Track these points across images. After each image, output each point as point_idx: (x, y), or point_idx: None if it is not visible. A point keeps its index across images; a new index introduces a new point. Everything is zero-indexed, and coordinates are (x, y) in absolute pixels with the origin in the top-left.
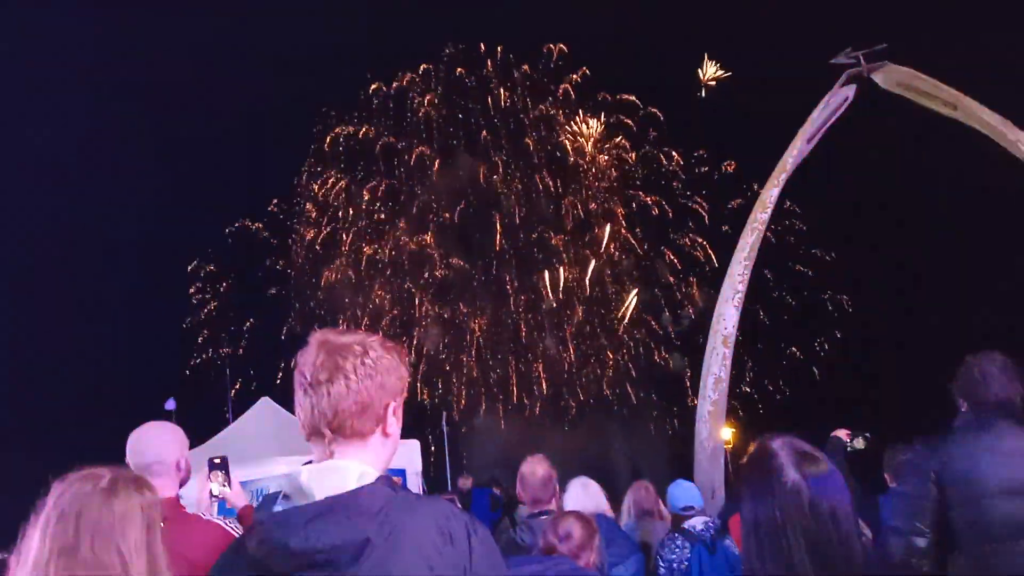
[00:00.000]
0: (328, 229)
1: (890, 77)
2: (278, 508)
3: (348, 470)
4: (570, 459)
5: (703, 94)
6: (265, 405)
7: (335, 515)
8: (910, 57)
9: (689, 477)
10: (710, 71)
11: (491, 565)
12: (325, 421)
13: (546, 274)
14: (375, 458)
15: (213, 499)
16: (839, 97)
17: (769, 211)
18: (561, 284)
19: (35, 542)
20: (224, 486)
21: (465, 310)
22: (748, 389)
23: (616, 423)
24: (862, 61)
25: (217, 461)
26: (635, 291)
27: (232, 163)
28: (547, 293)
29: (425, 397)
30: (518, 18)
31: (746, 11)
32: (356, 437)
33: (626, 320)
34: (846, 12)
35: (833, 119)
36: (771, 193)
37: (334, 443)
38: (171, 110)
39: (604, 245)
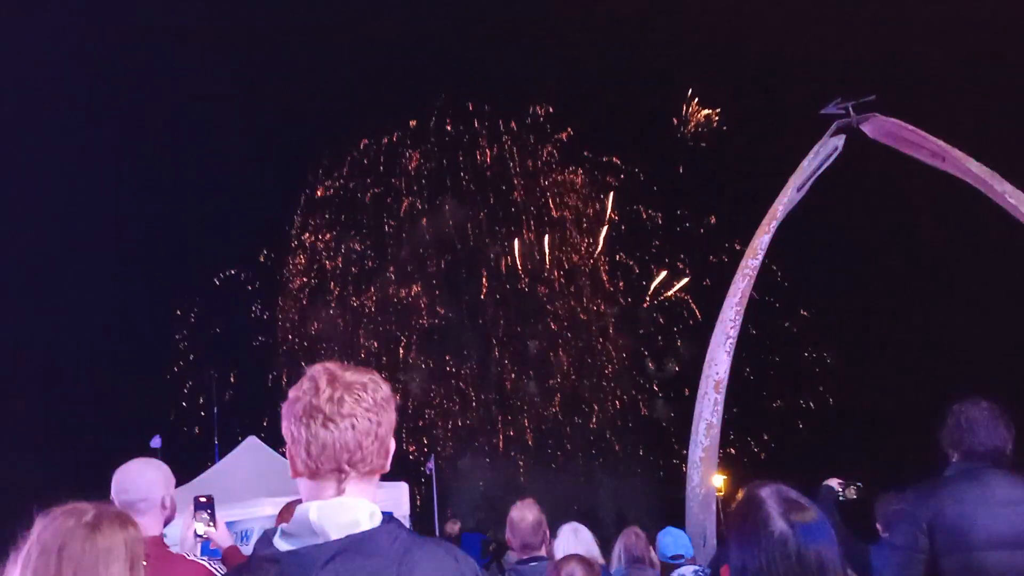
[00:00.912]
0: (316, 279)
1: (878, 128)
2: (284, 546)
3: (359, 508)
4: (556, 505)
5: (688, 133)
6: (252, 445)
7: (354, 555)
8: (898, 108)
9: (675, 524)
10: (700, 113)
11: None
12: (347, 456)
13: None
14: (375, 494)
15: (197, 539)
16: (828, 147)
17: (760, 257)
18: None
19: None
20: (209, 526)
21: (450, 358)
22: (734, 448)
23: (602, 470)
24: (851, 112)
25: (203, 500)
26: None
27: (223, 213)
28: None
29: (412, 447)
30: (505, 78)
31: (735, 64)
32: (370, 473)
33: (650, 293)
34: (835, 64)
35: (822, 168)
36: (762, 240)
37: (348, 480)
38: (162, 159)
39: (585, 297)
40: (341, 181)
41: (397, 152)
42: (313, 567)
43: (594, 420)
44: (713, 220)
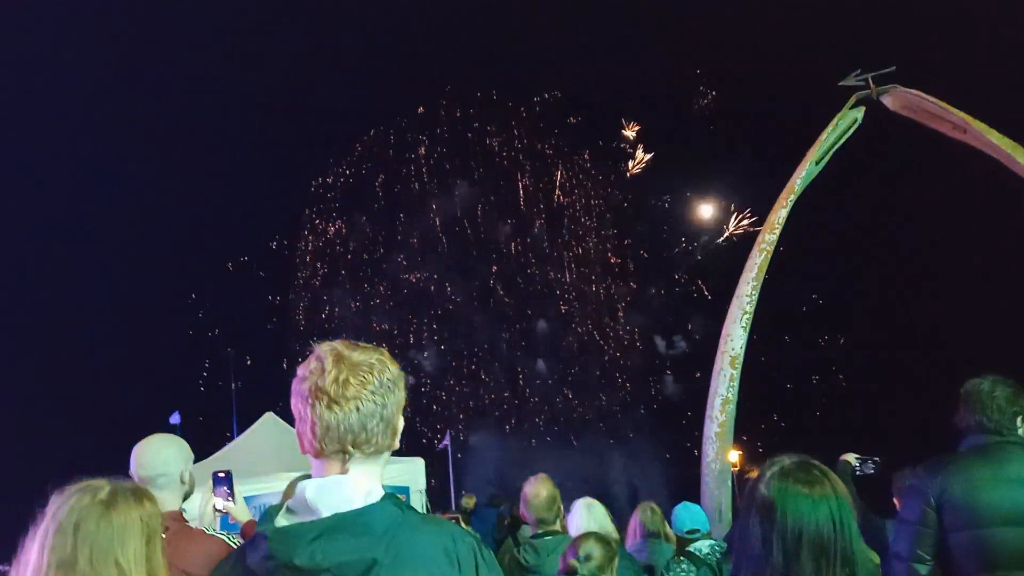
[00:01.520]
0: (328, 264)
1: (898, 100)
2: (282, 522)
3: (355, 486)
4: (568, 481)
5: (701, 107)
6: (269, 420)
7: (342, 533)
8: (919, 80)
9: (687, 499)
10: (709, 94)
11: None
12: (351, 438)
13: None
14: (381, 472)
15: (217, 513)
16: (848, 119)
17: (777, 232)
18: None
19: (34, 555)
20: (228, 500)
21: (461, 339)
22: (748, 426)
23: (613, 447)
24: (871, 84)
25: (221, 475)
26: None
27: (235, 202)
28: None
29: (425, 425)
30: (512, 65)
31: (754, 34)
32: (375, 453)
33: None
34: (855, 35)
35: (842, 141)
36: (779, 214)
37: (352, 460)
38: (174, 148)
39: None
40: (352, 169)
41: (406, 139)
42: (299, 544)
43: (604, 398)
44: (733, 207)
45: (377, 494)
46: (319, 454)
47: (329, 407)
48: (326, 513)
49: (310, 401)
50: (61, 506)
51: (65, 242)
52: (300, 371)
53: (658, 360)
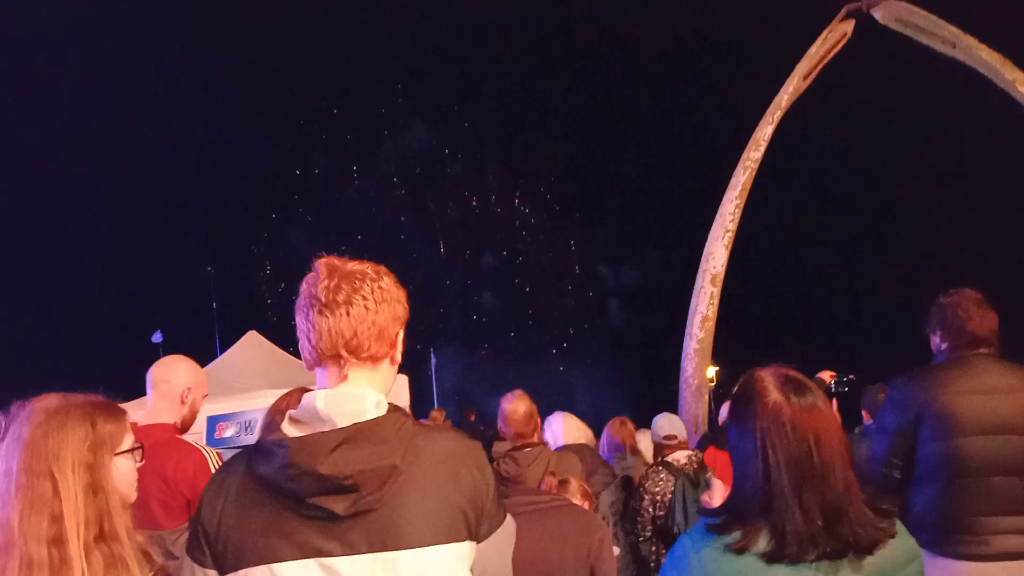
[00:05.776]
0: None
1: (889, 13)
2: (293, 432)
3: (365, 397)
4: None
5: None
6: (252, 339)
7: (362, 442)
8: None
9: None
10: None
11: (497, 496)
12: (343, 342)
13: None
14: (384, 384)
15: None
16: (837, 32)
17: (762, 149)
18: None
19: None
20: None
21: (418, 267)
22: (725, 343)
23: (578, 366)
24: None
25: None
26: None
27: (222, 125)
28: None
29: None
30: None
31: None
32: (370, 361)
33: None
34: None
35: (830, 55)
36: (765, 131)
37: (348, 365)
38: (166, 78)
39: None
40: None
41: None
42: (320, 452)
43: (568, 323)
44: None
45: (385, 405)
46: (317, 362)
47: (321, 312)
48: (342, 423)
49: (304, 310)
50: (20, 422)
51: (44, 163)
52: (301, 287)
53: (626, 280)
